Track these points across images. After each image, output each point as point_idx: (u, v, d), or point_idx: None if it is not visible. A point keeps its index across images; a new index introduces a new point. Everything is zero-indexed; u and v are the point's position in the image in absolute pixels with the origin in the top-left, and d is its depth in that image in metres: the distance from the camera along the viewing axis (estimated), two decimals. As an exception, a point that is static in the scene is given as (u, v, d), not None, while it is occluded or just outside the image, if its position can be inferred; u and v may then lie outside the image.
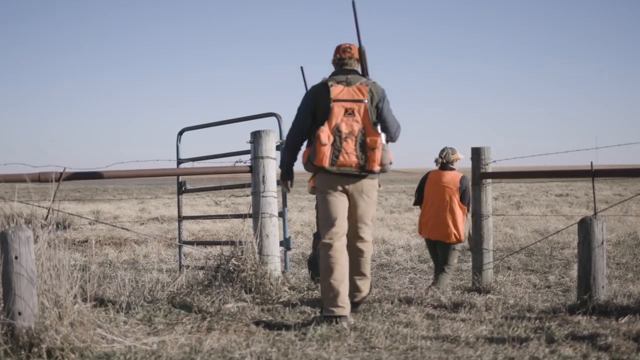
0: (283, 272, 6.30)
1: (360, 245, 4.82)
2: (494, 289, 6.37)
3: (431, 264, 9.29)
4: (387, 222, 15.95)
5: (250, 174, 6.19)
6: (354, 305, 4.89)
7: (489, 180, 6.72)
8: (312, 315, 4.92)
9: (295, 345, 4.17)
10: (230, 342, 4.23)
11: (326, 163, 4.48)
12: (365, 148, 4.46)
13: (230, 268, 5.78)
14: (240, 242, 5.98)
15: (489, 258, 6.66)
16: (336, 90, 4.53)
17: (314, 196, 6.25)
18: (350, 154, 4.44)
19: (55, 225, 4.49)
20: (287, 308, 5.19)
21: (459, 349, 4.07)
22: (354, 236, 4.79)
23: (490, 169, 6.73)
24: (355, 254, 4.81)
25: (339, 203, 4.65)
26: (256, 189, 6.10)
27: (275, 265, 6.01)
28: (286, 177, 5.02)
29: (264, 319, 4.87)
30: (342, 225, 4.67)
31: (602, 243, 5.22)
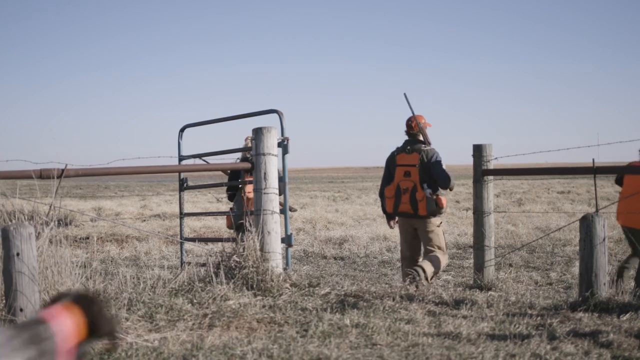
0: (284, 269, 6.30)
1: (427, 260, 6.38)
2: (495, 286, 6.37)
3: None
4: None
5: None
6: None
7: (491, 177, 6.71)
8: (314, 312, 4.93)
9: (296, 342, 4.17)
10: (231, 339, 4.24)
11: (391, 210, 6.39)
12: (415, 200, 6.15)
13: (232, 265, 5.79)
14: (241, 239, 5.98)
15: (490, 255, 6.66)
16: (399, 158, 6.36)
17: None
18: (406, 204, 6.20)
19: (56, 222, 4.49)
20: (289, 305, 5.20)
21: (460, 345, 4.07)
22: (425, 254, 6.41)
23: (491, 165, 6.72)
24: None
25: (406, 235, 6.48)
26: (258, 185, 6.10)
27: (276, 262, 6.01)
28: (388, 218, 6.71)
29: (266, 315, 4.87)
30: (406, 249, 6.55)
31: (604, 240, 5.21)
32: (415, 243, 6.47)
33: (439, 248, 6.29)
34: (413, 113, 6.21)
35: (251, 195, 7.10)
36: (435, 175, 6.16)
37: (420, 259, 6.40)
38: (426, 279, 6.07)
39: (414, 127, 6.33)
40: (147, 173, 6.01)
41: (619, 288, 5.36)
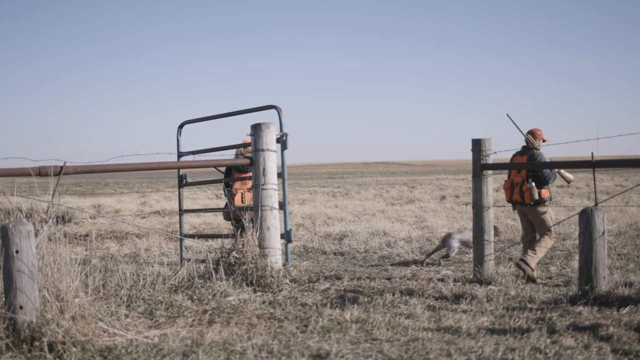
0: (284, 265, 6.30)
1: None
2: (495, 280, 6.38)
3: (433, 255, 9.29)
4: (389, 214, 15.95)
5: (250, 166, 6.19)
6: (522, 262, 7.20)
7: (490, 172, 6.72)
8: (314, 308, 4.93)
9: (296, 338, 4.17)
10: (231, 335, 4.24)
11: (507, 199, 7.76)
12: (523, 191, 7.50)
13: (232, 261, 5.79)
14: (241, 235, 5.98)
15: (490, 249, 6.66)
16: (515, 159, 7.72)
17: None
18: (517, 194, 7.57)
19: (55, 219, 4.48)
20: (289, 300, 5.20)
21: (460, 340, 4.07)
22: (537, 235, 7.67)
23: (490, 160, 6.73)
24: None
25: (520, 217, 7.90)
26: (257, 181, 6.09)
27: (276, 257, 6.01)
28: (513, 206, 7.94)
29: (266, 311, 4.87)
30: (523, 228, 7.94)
31: (603, 234, 5.21)
32: (527, 224, 7.87)
33: (547, 230, 7.57)
34: (520, 130, 7.68)
35: (237, 190, 7.91)
36: (538, 173, 7.53)
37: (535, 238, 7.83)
38: (531, 269, 7.18)
39: (529, 137, 7.90)
40: (146, 170, 6.00)
41: None
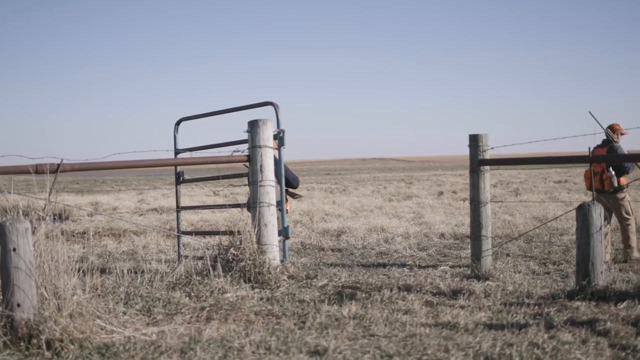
0: (282, 261, 6.30)
1: (621, 226, 8.43)
2: (492, 275, 6.39)
3: (430, 251, 9.30)
4: (386, 210, 15.96)
5: (248, 163, 6.18)
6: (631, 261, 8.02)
7: (487, 167, 6.72)
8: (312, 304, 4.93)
9: (294, 334, 4.18)
10: (229, 332, 4.24)
11: (587, 187, 8.48)
12: (602, 179, 8.21)
13: (229, 258, 5.79)
14: (238, 232, 5.98)
15: (487, 245, 6.67)
16: (596, 150, 8.38)
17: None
18: (597, 182, 8.24)
19: (53, 217, 4.48)
20: (286, 297, 5.20)
21: (458, 335, 4.08)
22: (619, 222, 8.55)
23: (488, 155, 6.73)
24: (622, 230, 8.44)
25: (599, 203, 7.70)
26: (254, 178, 6.09)
27: (274, 254, 6.01)
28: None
29: (263, 308, 4.87)
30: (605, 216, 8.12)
31: (600, 229, 5.22)
32: (604, 211, 8.43)
33: (627, 214, 8.37)
34: (601, 126, 8.27)
35: None
36: (618, 164, 8.21)
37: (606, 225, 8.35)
38: (632, 249, 8.15)
39: (609, 132, 8.57)
40: (143, 167, 5.99)
41: None
